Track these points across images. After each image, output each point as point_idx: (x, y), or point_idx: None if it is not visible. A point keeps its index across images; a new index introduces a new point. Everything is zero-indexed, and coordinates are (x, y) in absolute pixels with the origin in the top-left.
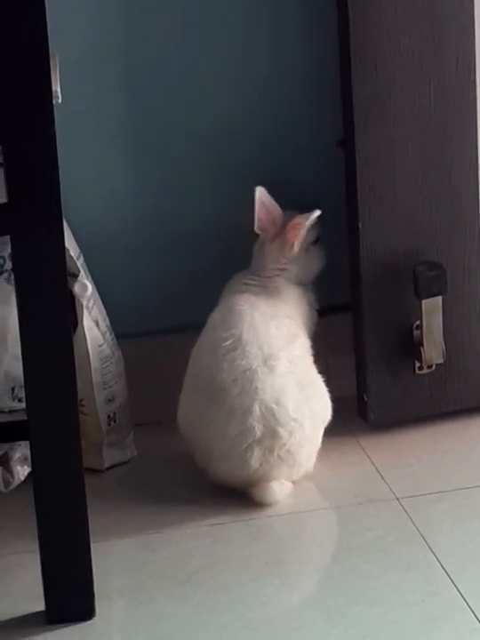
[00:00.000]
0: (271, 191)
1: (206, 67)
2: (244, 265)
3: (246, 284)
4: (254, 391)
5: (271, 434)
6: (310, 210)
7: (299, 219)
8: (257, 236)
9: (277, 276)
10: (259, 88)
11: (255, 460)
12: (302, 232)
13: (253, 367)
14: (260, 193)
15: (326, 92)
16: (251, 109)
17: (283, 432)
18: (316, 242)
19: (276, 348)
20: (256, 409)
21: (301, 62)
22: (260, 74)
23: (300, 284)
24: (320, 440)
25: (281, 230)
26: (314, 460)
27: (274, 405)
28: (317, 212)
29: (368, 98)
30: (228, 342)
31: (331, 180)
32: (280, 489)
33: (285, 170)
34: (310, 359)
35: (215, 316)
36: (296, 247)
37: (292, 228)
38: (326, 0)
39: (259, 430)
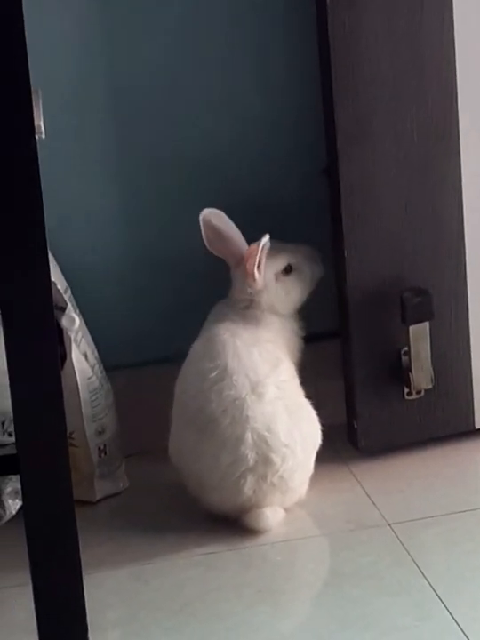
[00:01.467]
0: (257, 220)
1: (191, 97)
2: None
3: (226, 312)
4: (245, 420)
5: (264, 461)
6: (298, 238)
7: (252, 247)
8: None
9: (248, 306)
10: (243, 117)
11: (248, 487)
12: (256, 260)
13: (242, 396)
14: (206, 213)
15: (310, 120)
16: (236, 139)
17: (275, 458)
18: (287, 271)
19: (262, 375)
20: (248, 437)
21: (285, 91)
22: (244, 103)
23: (276, 314)
24: (312, 465)
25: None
26: (306, 485)
27: (266, 433)
28: (266, 237)
29: (350, 124)
30: (214, 373)
31: (316, 208)
32: (273, 515)
33: (271, 198)
34: (297, 382)
35: (197, 347)
36: (257, 277)
37: (247, 256)
38: (308, 26)
39: (251, 458)
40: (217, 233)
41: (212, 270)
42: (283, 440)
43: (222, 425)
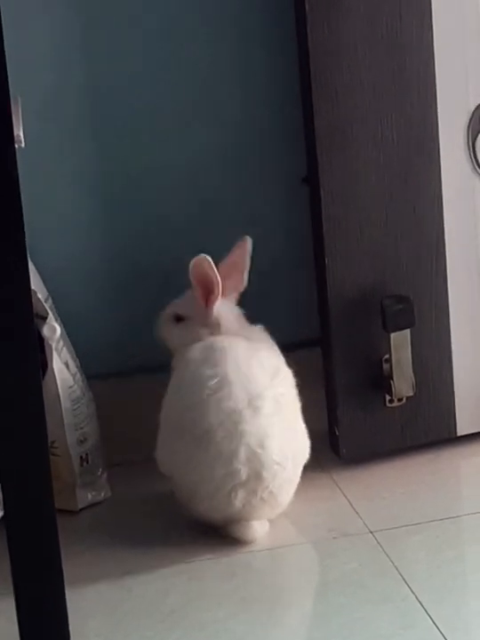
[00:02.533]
0: (237, 228)
1: (170, 107)
2: None
3: None
4: (240, 434)
5: (256, 477)
6: (278, 247)
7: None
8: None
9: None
10: (223, 126)
11: (239, 501)
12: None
13: (239, 409)
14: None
15: (290, 128)
16: (215, 148)
17: (266, 475)
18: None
19: (261, 387)
20: (242, 453)
21: (265, 98)
22: (223, 111)
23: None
24: (298, 479)
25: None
26: (291, 497)
27: (259, 450)
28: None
29: (330, 131)
30: (213, 381)
31: (296, 216)
32: (260, 528)
33: (250, 207)
34: (294, 392)
35: (194, 353)
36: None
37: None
38: (288, 33)
39: (244, 473)
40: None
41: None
42: (274, 458)
43: (217, 437)
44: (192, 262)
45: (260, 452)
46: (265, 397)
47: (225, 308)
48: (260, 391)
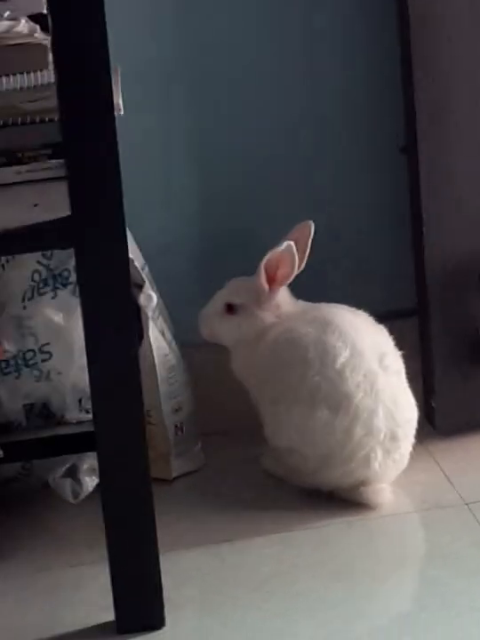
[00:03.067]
0: (336, 202)
1: (269, 77)
2: (308, 273)
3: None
4: (376, 393)
5: (391, 437)
6: (375, 217)
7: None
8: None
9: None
10: (322, 97)
11: (377, 461)
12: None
13: (372, 369)
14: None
15: (390, 98)
16: (314, 119)
17: (400, 434)
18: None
19: (383, 346)
20: (380, 411)
21: (364, 71)
22: (323, 84)
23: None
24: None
25: None
26: None
27: (392, 407)
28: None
29: (429, 103)
30: (345, 351)
31: (394, 185)
32: (389, 491)
33: (349, 176)
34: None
35: (305, 332)
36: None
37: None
38: (388, 9)
39: (382, 433)
40: None
41: None
42: (406, 415)
43: (356, 399)
44: (277, 250)
45: (393, 410)
46: (388, 354)
47: (281, 290)
48: (384, 349)
